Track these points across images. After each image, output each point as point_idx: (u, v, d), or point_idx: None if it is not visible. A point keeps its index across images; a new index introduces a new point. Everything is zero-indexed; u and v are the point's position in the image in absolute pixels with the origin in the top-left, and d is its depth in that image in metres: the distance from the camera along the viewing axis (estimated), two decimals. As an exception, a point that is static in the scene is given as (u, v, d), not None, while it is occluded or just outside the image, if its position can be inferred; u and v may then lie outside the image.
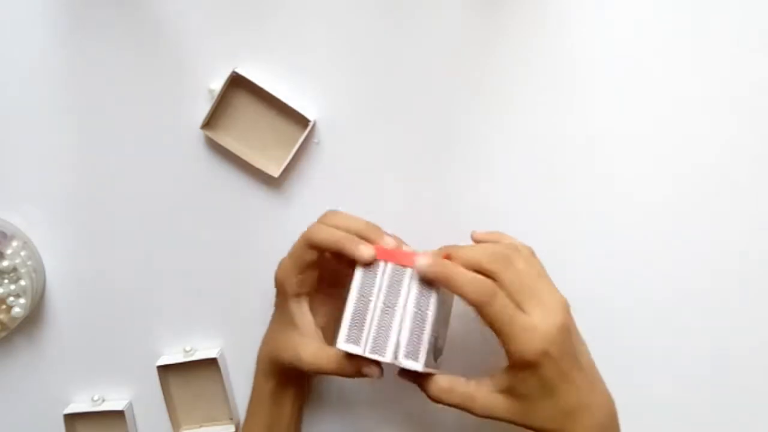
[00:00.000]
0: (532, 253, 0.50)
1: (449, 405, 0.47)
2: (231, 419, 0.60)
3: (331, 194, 0.57)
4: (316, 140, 0.57)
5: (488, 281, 0.44)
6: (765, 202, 0.55)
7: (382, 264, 0.47)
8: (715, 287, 0.55)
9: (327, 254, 0.51)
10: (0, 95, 0.58)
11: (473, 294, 0.43)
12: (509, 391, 0.45)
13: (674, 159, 0.55)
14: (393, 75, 0.56)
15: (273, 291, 0.55)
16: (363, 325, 0.46)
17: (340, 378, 0.50)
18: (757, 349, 0.55)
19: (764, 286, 0.55)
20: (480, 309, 0.44)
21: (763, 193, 0.55)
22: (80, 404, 0.61)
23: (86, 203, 0.59)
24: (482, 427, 0.50)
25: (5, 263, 0.56)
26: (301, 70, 0.56)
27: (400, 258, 0.46)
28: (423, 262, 0.45)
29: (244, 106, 0.56)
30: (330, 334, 0.52)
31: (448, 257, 0.46)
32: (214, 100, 0.55)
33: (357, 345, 0.46)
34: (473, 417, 0.46)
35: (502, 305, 0.43)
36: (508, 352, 0.44)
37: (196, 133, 0.57)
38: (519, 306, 0.44)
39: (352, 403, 0.60)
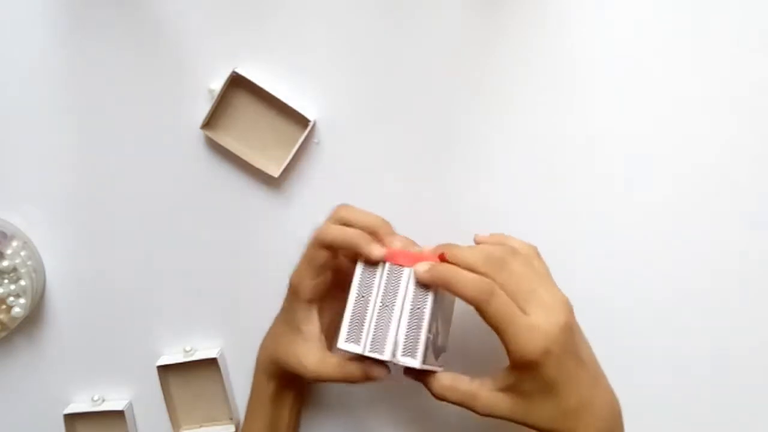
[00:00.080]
0: (536, 254, 0.50)
1: (452, 402, 0.47)
2: (231, 419, 0.60)
3: (331, 194, 0.57)
4: (316, 140, 0.57)
5: (486, 280, 0.44)
6: (765, 202, 0.55)
7: (380, 264, 0.47)
8: (715, 287, 0.55)
9: (341, 256, 0.51)
10: (0, 95, 0.58)
11: (472, 293, 0.44)
12: (511, 390, 0.45)
13: (674, 159, 0.55)
14: (393, 75, 0.56)
15: (273, 291, 0.55)
16: (362, 325, 0.46)
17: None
18: (757, 349, 0.55)
19: (764, 286, 0.55)
20: (479, 308, 0.44)
21: (763, 193, 0.55)
22: (80, 404, 0.61)
23: (86, 203, 0.59)
24: (483, 427, 0.50)
25: (5, 263, 0.56)
26: (301, 70, 0.56)
27: (398, 258, 0.47)
28: (421, 268, 0.46)
29: (244, 106, 0.56)
30: (332, 336, 0.52)
31: (443, 257, 0.46)
32: (214, 100, 0.55)
33: (357, 344, 0.46)
34: (476, 416, 0.46)
35: (501, 304, 0.43)
36: (509, 352, 0.44)
37: (196, 133, 0.57)
38: (519, 306, 0.44)
39: (351, 402, 0.60)
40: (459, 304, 0.52)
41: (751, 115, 0.54)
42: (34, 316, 0.60)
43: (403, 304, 0.46)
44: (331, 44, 0.56)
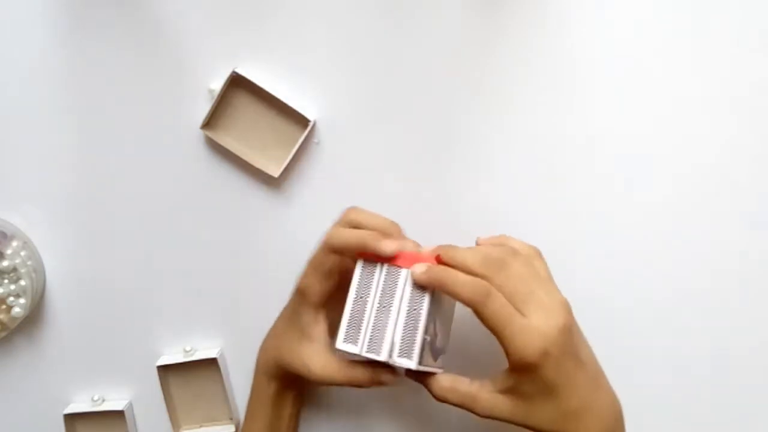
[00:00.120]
0: (538, 255, 0.50)
1: (452, 404, 0.47)
2: (231, 419, 0.60)
3: (331, 194, 0.57)
4: (316, 140, 0.57)
5: (482, 282, 0.44)
6: (765, 202, 0.55)
7: (379, 265, 0.47)
8: (715, 287, 0.55)
9: (349, 260, 0.51)
10: (0, 95, 0.58)
11: (468, 295, 0.44)
12: (511, 392, 0.45)
13: (674, 159, 0.55)
14: (393, 75, 0.56)
15: (273, 291, 0.55)
16: (360, 325, 0.46)
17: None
18: (757, 349, 0.55)
19: (764, 286, 0.55)
20: (475, 310, 0.44)
21: (763, 193, 0.55)
22: (80, 404, 0.61)
23: (86, 203, 0.59)
24: (484, 427, 0.50)
25: (5, 263, 0.56)
26: (301, 70, 0.56)
27: (396, 260, 0.47)
28: (418, 270, 0.46)
29: (244, 106, 0.56)
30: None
31: (439, 259, 0.46)
32: (214, 100, 0.55)
33: (354, 344, 0.46)
34: (476, 417, 0.46)
35: (498, 305, 0.43)
36: (507, 354, 0.44)
37: (196, 133, 0.57)
38: (517, 308, 0.44)
39: (351, 403, 0.60)
40: (460, 306, 0.52)
41: (751, 115, 0.54)
42: (34, 316, 0.60)
43: (400, 305, 0.46)
44: (331, 44, 0.56)
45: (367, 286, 0.47)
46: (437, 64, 0.55)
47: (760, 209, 0.55)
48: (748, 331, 0.55)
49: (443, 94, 0.56)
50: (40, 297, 0.60)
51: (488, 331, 0.44)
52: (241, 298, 0.59)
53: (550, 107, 0.55)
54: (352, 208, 0.51)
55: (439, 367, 0.49)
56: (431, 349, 0.47)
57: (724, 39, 0.54)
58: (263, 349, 0.56)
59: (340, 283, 0.51)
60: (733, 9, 0.53)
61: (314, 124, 0.56)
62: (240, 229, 0.59)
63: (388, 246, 0.47)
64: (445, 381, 0.47)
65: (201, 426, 0.61)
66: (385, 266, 0.47)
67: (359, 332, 0.46)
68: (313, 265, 0.50)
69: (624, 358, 0.55)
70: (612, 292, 0.56)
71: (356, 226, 0.49)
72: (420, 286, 0.46)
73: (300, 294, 0.51)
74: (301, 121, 0.56)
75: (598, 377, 0.47)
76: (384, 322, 0.46)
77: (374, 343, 0.46)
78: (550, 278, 0.48)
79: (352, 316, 0.47)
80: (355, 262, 0.48)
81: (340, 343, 0.47)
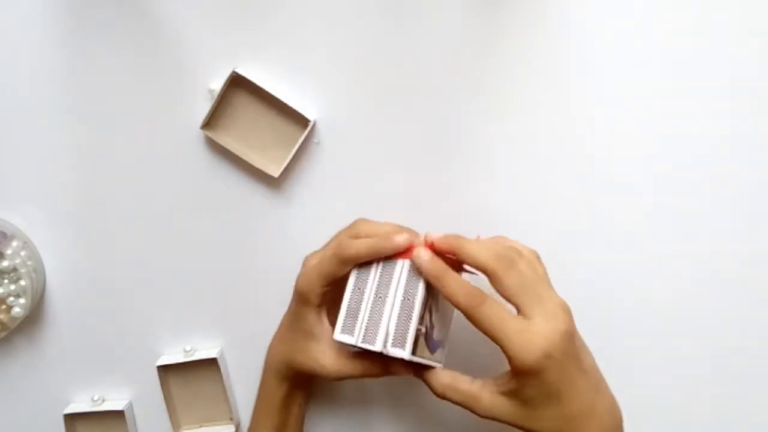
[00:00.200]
0: (537, 258, 0.50)
1: (453, 402, 0.47)
2: (231, 419, 0.60)
3: (331, 194, 0.57)
4: (316, 140, 0.57)
5: (477, 289, 0.44)
6: (765, 202, 0.55)
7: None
8: (715, 287, 0.55)
9: None
10: (0, 95, 0.58)
11: (462, 299, 0.44)
12: (513, 395, 0.45)
13: (675, 159, 0.55)
14: (393, 75, 0.56)
15: (273, 291, 0.55)
16: (357, 316, 0.47)
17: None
18: (757, 349, 0.55)
19: (764, 286, 0.55)
20: (467, 314, 0.44)
21: (763, 193, 0.55)
22: (80, 404, 0.61)
23: (86, 203, 0.59)
24: (484, 427, 0.50)
25: (5, 263, 0.56)
26: (301, 70, 0.56)
27: (409, 251, 0.47)
28: (424, 257, 0.46)
29: (244, 106, 0.56)
30: None
31: (452, 250, 0.46)
32: (214, 100, 0.55)
33: (351, 335, 0.47)
34: (477, 418, 0.46)
35: (491, 312, 0.43)
36: (509, 358, 0.44)
37: (196, 133, 0.57)
38: (519, 309, 0.44)
39: (350, 403, 0.60)
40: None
41: (751, 115, 0.54)
42: (34, 316, 0.60)
43: (395, 295, 0.47)
44: (331, 44, 0.56)
45: (364, 277, 0.48)
46: (437, 64, 0.55)
47: (760, 209, 0.55)
48: (748, 331, 0.55)
49: (443, 94, 0.56)
50: (40, 297, 0.60)
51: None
52: (241, 298, 0.59)
53: (550, 107, 0.55)
54: (361, 220, 0.52)
55: (438, 362, 0.49)
56: (427, 340, 0.47)
57: (724, 39, 0.54)
58: (271, 352, 0.55)
59: (340, 281, 0.51)
60: (733, 9, 0.53)
61: (314, 124, 0.56)
62: (240, 229, 0.59)
63: (400, 239, 0.47)
64: (445, 378, 0.47)
65: (201, 426, 0.61)
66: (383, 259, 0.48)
67: (356, 323, 0.47)
68: (317, 269, 0.50)
69: (624, 358, 0.55)
70: (612, 292, 0.56)
71: (365, 236, 0.50)
72: (415, 274, 0.46)
73: (301, 297, 0.51)
74: (301, 121, 0.56)
75: (598, 382, 0.47)
76: (380, 312, 0.47)
77: (370, 333, 0.46)
78: (549, 282, 0.48)
79: (349, 308, 0.48)
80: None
81: (338, 335, 0.47)
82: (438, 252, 0.47)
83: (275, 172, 0.56)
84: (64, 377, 0.61)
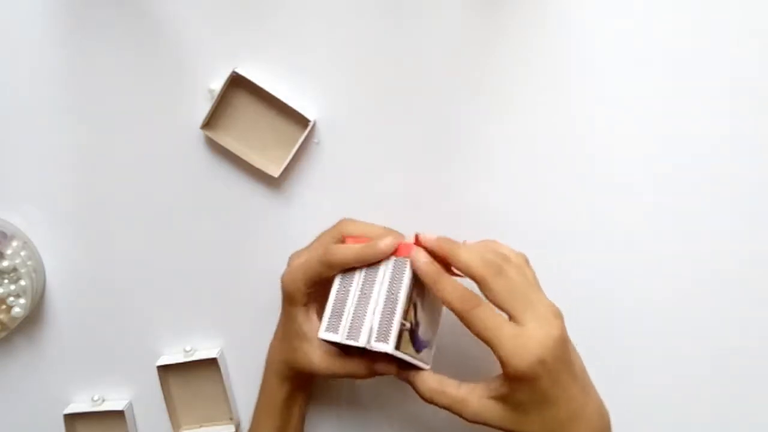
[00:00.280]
0: (526, 262, 0.50)
1: (440, 407, 0.47)
2: (231, 419, 0.60)
3: (331, 194, 0.57)
4: (316, 140, 0.57)
5: (472, 293, 0.44)
6: (765, 202, 0.55)
7: None
8: (715, 287, 0.55)
9: None
10: (0, 95, 0.58)
11: (457, 302, 0.44)
12: (503, 399, 0.45)
13: (675, 158, 0.55)
14: (393, 75, 0.56)
15: (273, 291, 0.55)
16: (342, 314, 0.47)
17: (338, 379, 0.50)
18: (757, 349, 0.55)
19: (764, 286, 0.55)
20: (462, 318, 0.44)
21: (763, 193, 0.55)
22: (80, 404, 0.61)
23: (86, 203, 0.59)
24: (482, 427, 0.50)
25: (5, 263, 0.56)
26: (301, 70, 0.56)
27: (397, 252, 0.48)
28: (422, 259, 0.46)
29: (244, 106, 0.56)
30: None
31: (443, 254, 0.46)
32: (214, 100, 0.55)
33: (335, 333, 0.47)
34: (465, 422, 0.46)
35: (485, 316, 0.43)
36: (502, 363, 0.43)
37: (196, 133, 0.57)
38: (511, 315, 0.44)
39: (350, 403, 0.60)
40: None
41: (752, 115, 0.54)
42: (34, 316, 0.60)
43: (379, 292, 0.47)
44: (331, 44, 0.56)
45: (350, 276, 0.48)
46: (437, 64, 0.55)
47: (760, 209, 0.55)
48: (748, 331, 0.55)
49: (443, 94, 0.56)
50: (40, 297, 0.60)
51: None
52: (241, 298, 0.59)
53: (550, 107, 0.55)
54: (346, 220, 0.52)
55: (425, 362, 0.49)
56: (412, 337, 0.47)
57: (724, 39, 0.54)
58: (271, 352, 0.56)
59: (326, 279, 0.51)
60: (733, 9, 0.53)
61: (314, 124, 0.56)
62: (240, 229, 0.59)
63: (385, 246, 0.47)
64: (432, 381, 0.47)
65: (201, 426, 0.61)
66: None
67: (340, 321, 0.47)
68: (303, 269, 0.50)
69: (624, 358, 0.55)
70: (612, 292, 0.56)
71: (351, 236, 0.50)
72: (399, 271, 0.47)
73: (287, 296, 0.52)
74: (301, 121, 0.56)
75: (587, 385, 0.47)
76: (364, 309, 0.47)
77: (354, 330, 0.47)
78: (540, 286, 0.48)
79: (334, 306, 0.48)
80: None
81: (322, 333, 0.47)
82: (430, 254, 0.47)
83: (275, 172, 0.56)
84: (64, 377, 0.61)
